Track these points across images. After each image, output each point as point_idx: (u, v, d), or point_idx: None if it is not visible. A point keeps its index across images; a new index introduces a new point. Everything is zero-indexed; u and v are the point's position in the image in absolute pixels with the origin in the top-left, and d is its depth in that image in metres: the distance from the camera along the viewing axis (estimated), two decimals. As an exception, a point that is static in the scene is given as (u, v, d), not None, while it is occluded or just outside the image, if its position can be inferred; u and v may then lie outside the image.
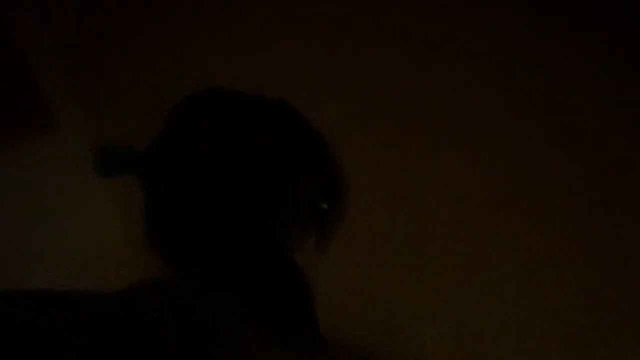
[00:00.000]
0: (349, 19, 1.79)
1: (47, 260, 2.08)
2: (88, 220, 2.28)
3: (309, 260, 1.04)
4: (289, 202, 1.00)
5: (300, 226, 1.03)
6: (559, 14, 1.57)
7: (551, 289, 1.73)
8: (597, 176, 1.60)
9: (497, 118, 1.68)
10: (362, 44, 1.78)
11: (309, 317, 1.01)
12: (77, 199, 2.26)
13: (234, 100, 1.03)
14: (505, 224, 1.73)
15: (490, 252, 1.78)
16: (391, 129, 1.80)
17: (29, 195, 2.15)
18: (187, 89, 1.04)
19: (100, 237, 2.28)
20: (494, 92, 1.67)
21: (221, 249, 0.97)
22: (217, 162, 0.97)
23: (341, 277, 1.85)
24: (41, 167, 2.18)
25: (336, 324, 1.17)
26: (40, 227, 2.13)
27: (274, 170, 0.99)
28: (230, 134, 0.98)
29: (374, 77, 1.79)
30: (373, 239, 1.90)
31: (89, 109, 2.25)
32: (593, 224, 1.63)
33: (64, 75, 2.22)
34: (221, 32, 1.96)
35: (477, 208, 1.77)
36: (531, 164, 1.68)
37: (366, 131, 1.81)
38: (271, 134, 1.01)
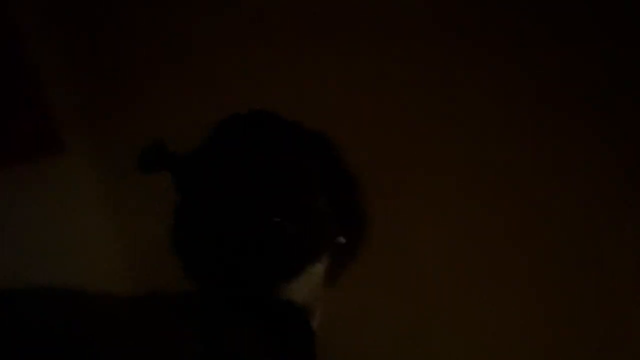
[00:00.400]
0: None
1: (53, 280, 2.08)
2: (94, 244, 2.28)
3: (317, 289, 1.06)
4: (309, 230, 1.02)
5: (314, 255, 1.05)
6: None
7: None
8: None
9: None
10: (412, 96, 1.86)
11: (308, 352, 1.03)
12: (84, 223, 2.26)
13: (277, 123, 1.09)
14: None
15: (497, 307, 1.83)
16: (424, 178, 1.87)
17: (36, 219, 2.14)
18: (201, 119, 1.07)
19: (108, 266, 2.27)
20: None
21: (237, 264, 1.00)
22: (247, 179, 1.01)
23: (346, 313, 1.83)
24: (49, 190, 2.18)
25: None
26: (47, 250, 2.11)
27: (301, 197, 1.02)
28: (265, 154, 1.03)
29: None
30: (382, 282, 1.91)
31: (98, 134, 2.26)
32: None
33: (73, 100, 2.22)
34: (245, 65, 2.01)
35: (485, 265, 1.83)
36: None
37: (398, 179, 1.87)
38: (304, 162, 1.05)
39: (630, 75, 1.67)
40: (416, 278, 1.91)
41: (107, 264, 2.26)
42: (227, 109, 1.10)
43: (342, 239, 1.07)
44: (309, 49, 1.95)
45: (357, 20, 1.92)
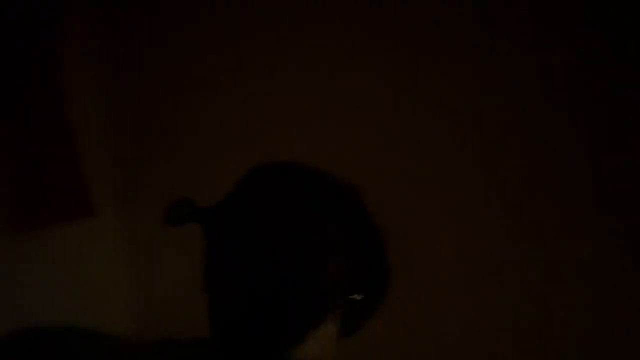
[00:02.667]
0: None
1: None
2: (125, 302, 2.35)
3: (329, 345, 1.04)
4: (320, 292, 1.01)
5: (322, 317, 1.02)
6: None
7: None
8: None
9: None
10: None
11: None
12: (114, 283, 2.35)
13: (301, 177, 1.07)
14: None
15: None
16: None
17: (68, 280, 2.22)
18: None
19: (133, 314, 2.35)
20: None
21: (247, 320, 1.00)
22: (269, 229, 1.00)
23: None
24: (81, 252, 2.27)
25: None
26: (79, 310, 2.20)
27: (316, 258, 1.00)
28: (284, 212, 1.01)
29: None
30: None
31: (128, 197, 2.35)
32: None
33: (105, 164, 2.33)
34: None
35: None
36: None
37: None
38: (325, 219, 1.02)
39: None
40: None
41: (133, 314, 2.36)
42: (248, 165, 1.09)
43: (357, 297, 1.05)
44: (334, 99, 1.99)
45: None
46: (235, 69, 2.13)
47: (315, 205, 1.03)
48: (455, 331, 1.90)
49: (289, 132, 2.03)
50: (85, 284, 2.27)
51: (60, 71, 2.16)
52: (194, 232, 1.06)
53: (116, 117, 2.35)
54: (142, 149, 2.34)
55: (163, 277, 2.33)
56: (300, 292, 0.99)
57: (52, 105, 2.14)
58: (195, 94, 2.22)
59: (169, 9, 2.21)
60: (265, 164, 1.08)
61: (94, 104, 2.32)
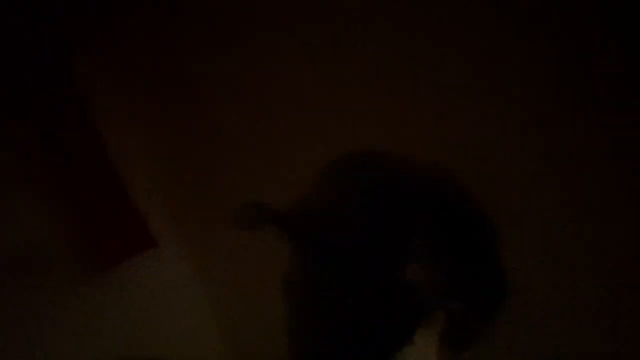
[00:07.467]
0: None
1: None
2: (192, 322, 2.32)
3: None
4: (391, 309, 0.87)
5: (401, 336, 0.88)
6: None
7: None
8: None
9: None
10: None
11: None
12: (182, 315, 2.30)
13: (377, 170, 0.92)
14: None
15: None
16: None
17: (134, 316, 2.19)
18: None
19: (206, 341, 2.31)
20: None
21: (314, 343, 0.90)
22: (351, 224, 0.88)
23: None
24: (148, 287, 2.24)
25: None
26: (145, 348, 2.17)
27: (384, 271, 0.87)
28: (361, 206, 0.88)
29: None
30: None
31: (188, 227, 2.30)
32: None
33: (156, 193, 2.29)
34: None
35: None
36: None
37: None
38: (401, 221, 0.88)
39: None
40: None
41: (205, 340, 2.31)
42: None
43: (455, 307, 0.88)
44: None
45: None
46: (280, 63, 2.02)
47: (394, 203, 0.88)
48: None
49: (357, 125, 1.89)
50: (162, 317, 2.24)
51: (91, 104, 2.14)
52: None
53: (155, 141, 2.30)
54: (190, 170, 2.28)
55: (235, 302, 2.28)
56: (380, 300, 0.86)
57: (92, 145, 2.13)
58: (224, 99, 2.14)
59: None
60: (342, 157, 0.94)
61: (132, 134, 2.28)
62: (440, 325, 0.90)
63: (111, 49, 2.21)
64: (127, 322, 2.16)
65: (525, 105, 1.71)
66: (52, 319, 2.07)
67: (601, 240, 1.67)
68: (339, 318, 0.87)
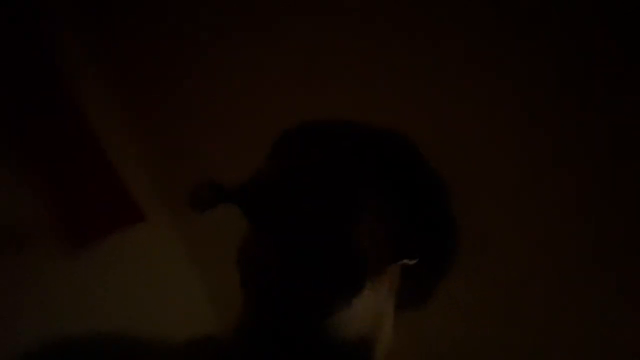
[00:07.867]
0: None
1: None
2: (182, 313, 2.32)
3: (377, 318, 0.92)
4: (345, 260, 0.88)
5: (352, 287, 0.90)
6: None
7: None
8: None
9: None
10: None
11: None
12: (169, 291, 2.32)
13: (330, 135, 0.94)
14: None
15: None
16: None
17: (123, 290, 2.21)
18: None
19: (197, 313, 2.32)
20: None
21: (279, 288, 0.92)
22: (296, 197, 0.89)
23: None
24: (134, 261, 2.25)
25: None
26: (135, 322, 2.15)
27: (340, 226, 0.88)
28: (313, 170, 0.90)
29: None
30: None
31: (174, 196, 2.30)
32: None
33: (138, 168, 2.29)
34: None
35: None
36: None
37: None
38: (355, 180, 0.89)
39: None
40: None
41: (196, 312, 2.32)
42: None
43: (409, 261, 0.90)
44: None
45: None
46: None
47: (347, 164, 0.89)
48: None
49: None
50: (149, 288, 2.25)
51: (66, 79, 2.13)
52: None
53: (134, 116, 2.30)
54: (177, 145, 2.28)
55: (224, 271, 2.26)
56: (326, 258, 0.87)
57: (72, 117, 2.12)
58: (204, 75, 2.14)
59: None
60: (287, 130, 0.97)
61: (111, 110, 2.27)
62: (396, 281, 0.91)
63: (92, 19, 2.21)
64: (116, 296, 2.16)
65: (525, 105, 1.70)
66: (40, 294, 2.06)
67: (600, 240, 1.67)
68: (287, 281, 0.90)
